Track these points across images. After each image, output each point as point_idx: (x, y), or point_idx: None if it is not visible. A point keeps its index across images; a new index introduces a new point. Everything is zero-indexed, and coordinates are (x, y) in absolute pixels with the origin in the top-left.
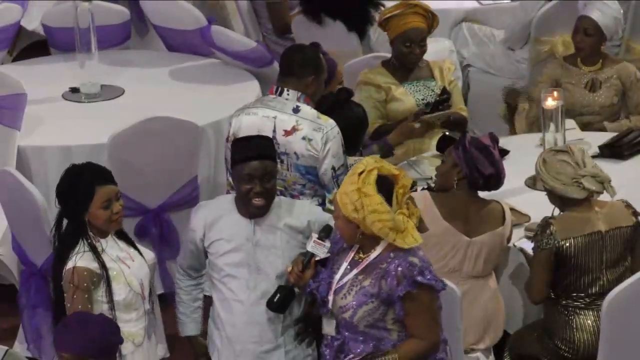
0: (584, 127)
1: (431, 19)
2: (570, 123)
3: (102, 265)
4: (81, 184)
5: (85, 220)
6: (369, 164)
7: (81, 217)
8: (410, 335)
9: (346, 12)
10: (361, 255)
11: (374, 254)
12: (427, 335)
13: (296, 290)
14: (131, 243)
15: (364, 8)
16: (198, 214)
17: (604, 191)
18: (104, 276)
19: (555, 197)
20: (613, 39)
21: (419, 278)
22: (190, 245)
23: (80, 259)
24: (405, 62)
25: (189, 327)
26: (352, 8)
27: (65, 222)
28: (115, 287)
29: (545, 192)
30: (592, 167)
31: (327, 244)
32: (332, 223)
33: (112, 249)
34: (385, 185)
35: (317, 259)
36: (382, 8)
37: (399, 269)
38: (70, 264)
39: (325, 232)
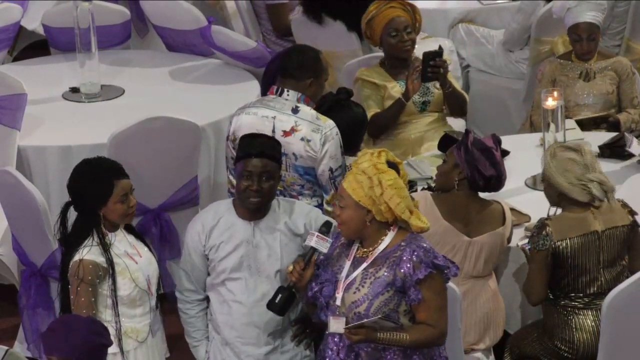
0: (582, 126)
1: (411, 11)
2: (570, 123)
3: (109, 259)
4: (100, 178)
5: (100, 214)
6: (374, 149)
7: (97, 211)
8: (420, 323)
9: (347, 11)
10: (364, 250)
11: (381, 246)
12: (438, 322)
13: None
14: (141, 238)
15: (365, 8)
16: (196, 224)
17: (605, 200)
18: (109, 270)
19: (554, 192)
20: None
21: (436, 261)
22: (194, 256)
23: (88, 253)
24: (397, 54)
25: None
26: (353, 8)
27: (69, 216)
28: (120, 282)
29: (542, 188)
30: (600, 173)
31: (330, 239)
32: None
33: (121, 243)
34: (394, 168)
35: (316, 257)
36: None
37: (414, 254)
38: (77, 257)
39: (327, 227)
